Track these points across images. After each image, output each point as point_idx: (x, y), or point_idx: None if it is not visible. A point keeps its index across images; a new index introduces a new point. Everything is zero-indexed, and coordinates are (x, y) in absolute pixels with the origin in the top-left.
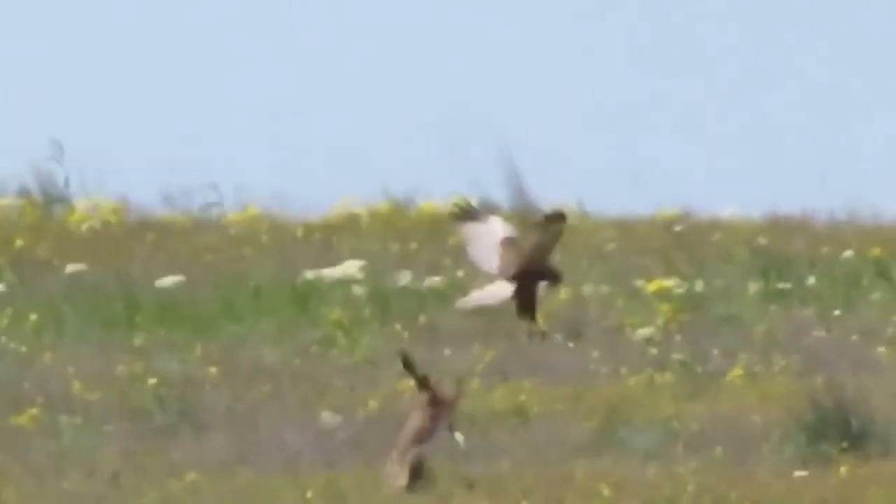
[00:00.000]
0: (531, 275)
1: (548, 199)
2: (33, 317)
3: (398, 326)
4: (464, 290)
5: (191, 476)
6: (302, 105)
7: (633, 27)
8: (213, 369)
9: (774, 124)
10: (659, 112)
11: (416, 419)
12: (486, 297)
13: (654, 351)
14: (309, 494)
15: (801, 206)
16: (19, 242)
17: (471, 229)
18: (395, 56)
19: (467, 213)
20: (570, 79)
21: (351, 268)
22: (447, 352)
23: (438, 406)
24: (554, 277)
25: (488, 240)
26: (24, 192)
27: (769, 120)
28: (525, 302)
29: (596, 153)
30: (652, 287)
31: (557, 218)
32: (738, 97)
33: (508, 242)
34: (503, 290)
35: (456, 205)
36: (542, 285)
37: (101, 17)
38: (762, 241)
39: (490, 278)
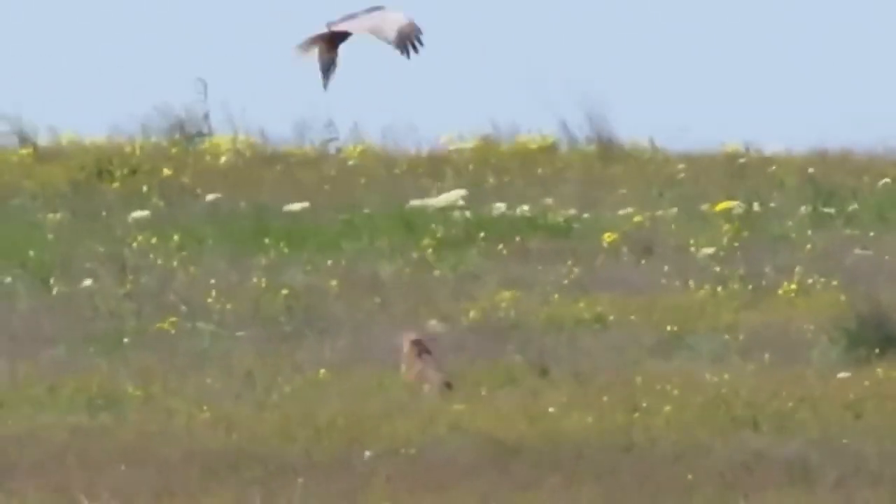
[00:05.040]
0: None
1: (623, 135)
2: (176, 237)
3: (497, 247)
4: (545, 216)
5: (315, 373)
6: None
7: None
8: (333, 282)
9: (822, 72)
10: (718, 61)
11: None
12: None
13: (717, 268)
14: None
15: (843, 142)
16: (166, 172)
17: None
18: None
19: None
20: (643, 32)
21: (453, 196)
22: (539, 268)
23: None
24: None
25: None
26: (171, 128)
27: (816, 68)
28: None
29: (666, 96)
30: (717, 208)
31: None
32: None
33: None
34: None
35: None
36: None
37: None
38: (811, 171)
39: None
